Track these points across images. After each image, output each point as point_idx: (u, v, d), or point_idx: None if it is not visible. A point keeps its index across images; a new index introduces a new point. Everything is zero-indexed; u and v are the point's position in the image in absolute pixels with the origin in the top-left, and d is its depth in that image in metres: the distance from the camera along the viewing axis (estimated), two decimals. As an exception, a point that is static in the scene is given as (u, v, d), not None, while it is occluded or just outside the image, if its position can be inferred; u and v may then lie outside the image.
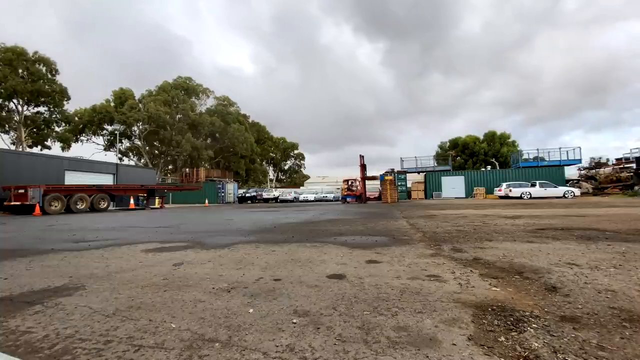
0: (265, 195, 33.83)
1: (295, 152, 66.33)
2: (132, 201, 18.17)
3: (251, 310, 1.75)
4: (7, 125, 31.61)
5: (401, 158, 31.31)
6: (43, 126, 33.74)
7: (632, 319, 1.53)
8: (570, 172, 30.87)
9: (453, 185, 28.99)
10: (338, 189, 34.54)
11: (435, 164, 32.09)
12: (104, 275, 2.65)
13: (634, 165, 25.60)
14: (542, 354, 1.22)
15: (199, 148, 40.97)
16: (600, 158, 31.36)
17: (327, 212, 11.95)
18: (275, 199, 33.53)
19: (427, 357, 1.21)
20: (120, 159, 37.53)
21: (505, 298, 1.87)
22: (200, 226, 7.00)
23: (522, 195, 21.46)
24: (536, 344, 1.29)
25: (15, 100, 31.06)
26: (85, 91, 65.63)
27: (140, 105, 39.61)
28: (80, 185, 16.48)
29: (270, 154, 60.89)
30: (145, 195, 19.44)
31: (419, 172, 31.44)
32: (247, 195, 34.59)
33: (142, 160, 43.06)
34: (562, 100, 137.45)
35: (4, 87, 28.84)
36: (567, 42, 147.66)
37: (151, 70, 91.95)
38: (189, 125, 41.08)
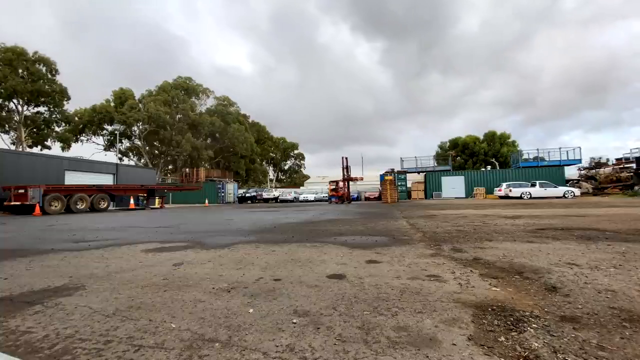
0: (265, 195, 33.84)
1: (295, 152, 66.38)
2: (132, 201, 18.17)
3: (251, 310, 1.75)
4: (7, 125, 31.61)
5: (401, 158, 31.38)
6: (43, 126, 33.75)
7: (632, 319, 1.53)
8: (570, 172, 30.92)
9: (453, 185, 29.00)
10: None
11: (435, 164, 32.10)
12: (104, 275, 2.65)
13: (634, 165, 25.61)
14: (542, 354, 1.22)
15: (199, 148, 40.98)
16: (600, 158, 31.38)
17: (327, 212, 11.95)
18: (275, 199, 33.53)
19: (427, 357, 1.21)
20: (120, 159, 37.58)
21: (505, 298, 1.87)
22: (200, 226, 7.00)
23: (522, 195, 21.46)
24: (536, 344, 1.29)
25: (15, 100, 31.07)
26: (83, 91, 65.63)
27: (140, 105, 39.62)
28: (80, 185, 16.48)
29: (270, 154, 60.91)
30: (145, 195, 19.44)
31: (419, 172, 31.46)
32: (247, 195, 34.60)
33: (142, 160, 43.07)
34: (562, 100, 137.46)
35: (4, 87, 28.84)
36: (567, 41, 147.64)
37: (149, 70, 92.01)
38: (189, 125, 41.09)
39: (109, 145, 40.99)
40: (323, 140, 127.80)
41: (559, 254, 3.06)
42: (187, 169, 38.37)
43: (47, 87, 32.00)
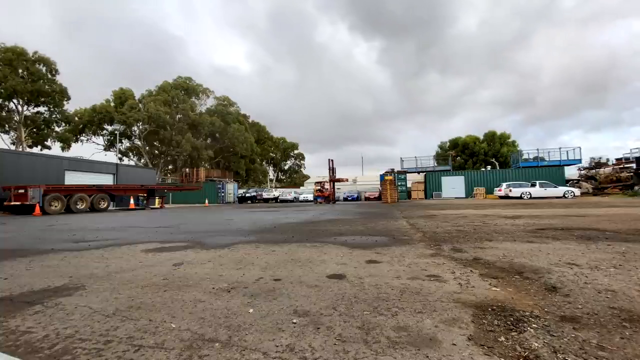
0: (265, 195, 33.82)
1: (295, 152, 66.38)
2: (132, 201, 18.17)
3: (251, 310, 1.75)
4: (7, 125, 31.62)
5: (401, 158, 31.39)
6: (43, 126, 33.75)
7: (632, 319, 1.53)
8: (570, 172, 30.92)
9: (453, 185, 29.00)
10: (337, 189, 34.77)
11: (435, 164, 32.11)
12: (104, 275, 2.65)
13: (634, 165, 25.61)
14: (542, 354, 1.22)
15: (199, 148, 40.98)
16: (600, 158, 31.39)
17: (327, 212, 11.96)
18: (275, 199, 33.51)
19: (427, 357, 1.21)
20: (120, 159, 37.60)
21: (505, 298, 1.87)
22: (200, 226, 7.00)
23: (522, 195, 21.47)
24: (536, 344, 1.29)
25: (15, 100, 31.07)
26: (81, 91, 65.28)
27: (140, 105, 39.63)
28: (80, 185, 16.48)
29: (270, 154, 60.91)
30: (145, 195, 19.44)
31: (419, 172, 31.47)
32: (247, 195, 34.58)
33: (142, 160, 43.07)
34: (562, 99, 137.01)
35: (4, 87, 28.85)
36: (566, 40, 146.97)
37: (147, 70, 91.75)
38: (189, 125, 41.09)
39: (109, 145, 41.00)
40: (323, 140, 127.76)
41: (559, 254, 3.06)
42: (187, 169, 38.37)
43: (47, 87, 32.01)
